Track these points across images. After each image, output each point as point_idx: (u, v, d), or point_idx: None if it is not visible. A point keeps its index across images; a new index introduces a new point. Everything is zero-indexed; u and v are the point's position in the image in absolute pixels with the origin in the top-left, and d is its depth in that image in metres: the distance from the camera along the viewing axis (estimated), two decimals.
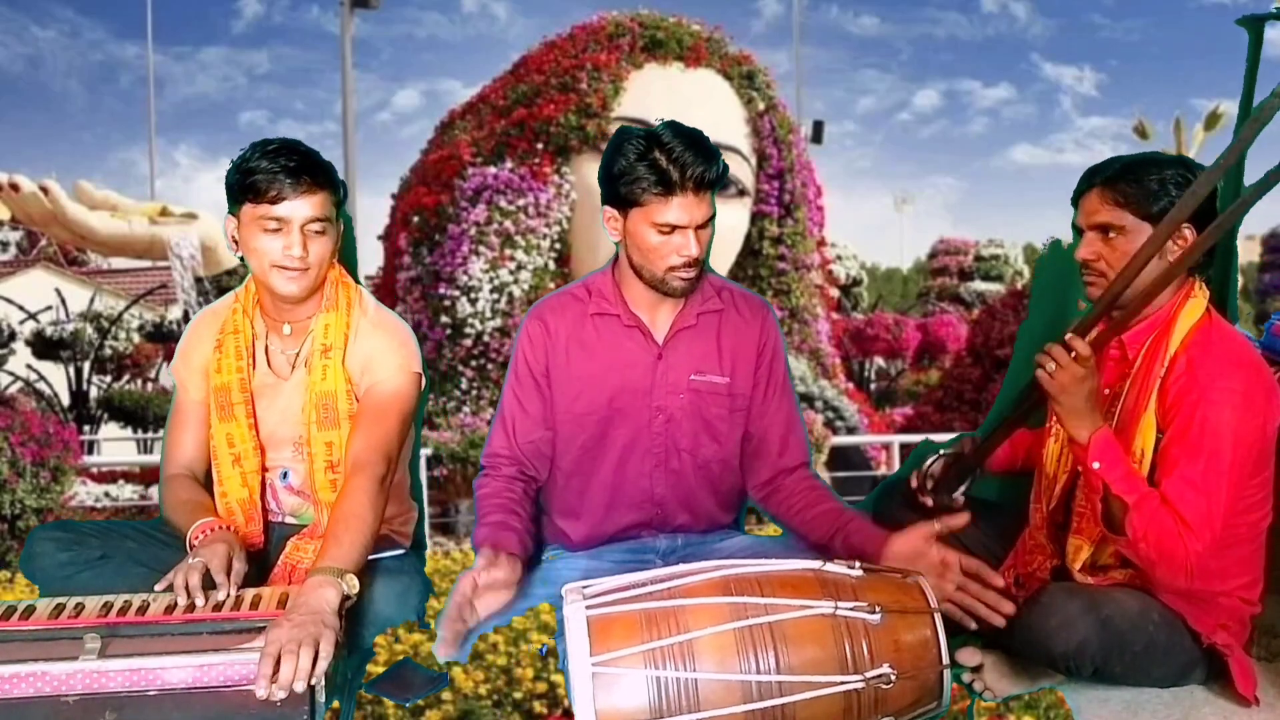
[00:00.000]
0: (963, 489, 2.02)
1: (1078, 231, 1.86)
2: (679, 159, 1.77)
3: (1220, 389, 1.68)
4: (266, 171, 1.79)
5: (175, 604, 1.63)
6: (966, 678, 1.81)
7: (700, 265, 1.86)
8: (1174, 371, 1.73)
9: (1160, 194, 1.75)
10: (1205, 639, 1.75)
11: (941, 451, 2.03)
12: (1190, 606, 1.75)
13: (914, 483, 2.02)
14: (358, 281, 2.02)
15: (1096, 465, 1.69)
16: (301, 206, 1.81)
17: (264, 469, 1.95)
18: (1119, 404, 1.80)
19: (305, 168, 1.81)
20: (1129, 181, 1.78)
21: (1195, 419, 1.68)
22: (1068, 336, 1.68)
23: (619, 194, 1.82)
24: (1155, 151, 1.89)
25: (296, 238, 1.81)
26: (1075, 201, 1.87)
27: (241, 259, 1.90)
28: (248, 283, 1.96)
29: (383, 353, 1.90)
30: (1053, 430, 1.91)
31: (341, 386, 1.89)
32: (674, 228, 1.80)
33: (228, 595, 1.66)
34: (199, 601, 1.62)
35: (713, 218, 1.84)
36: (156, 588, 1.68)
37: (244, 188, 1.81)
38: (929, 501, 2.01)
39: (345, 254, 2.01)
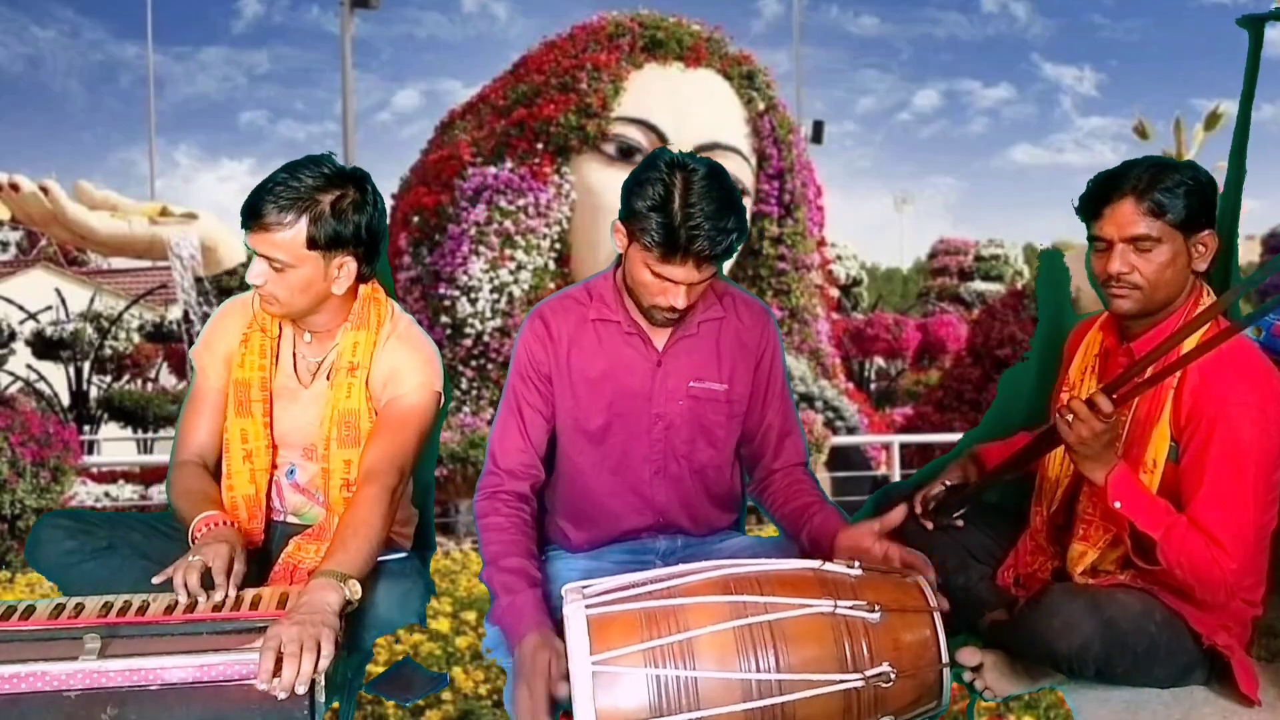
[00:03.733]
0: (960, 512, 2.05)
1: (1100, 242, 1.82)
2: (693, 228, 1.68)
3: (1237, 405, 1.69)
4: (255, 194, 1.79)
5: (175, 604, 1.63)
6: (967, 677, 1.81)
7: (686, 311, 1.83)
8: (1187, 381, 1.73)
9: (1190, 204, 1.75)
10: (1206, 640, 1.76)
11: (947, 484, 2.04)
12: (1192, 608, 1.76)
13: (918, 508, 2.04)
14: (392, 295, 2.02)
15: (1118, 505, 1.70)
16: (257, 243, 1.81)
17: (273, 467, 1.96)
18: (1130, 413, 1.79)
19: (265, 208, 1.78)
20: (1163, 192, 1.75)
21: (1215, 437, 1.69)
22: (1093, 393, 1.67)
23: (629, 222, 1.77)
24: (1155, 155, 1.89)
25: (258, 267, 1.82)
26: (1095, 210, 1.81)
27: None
28: None
29: (407, 368, 1.91)
30: None
31: (364, 406, 1.90)
32: (667, 280, 1.76)
33: (226, 596, 1.66)
34: (200, 600, 1.63)
35: (715, 273, 1.80)
36: (154, 580, 1.68)
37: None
38: (929, 525, 2.03)
39: (383, 268, 2.00)
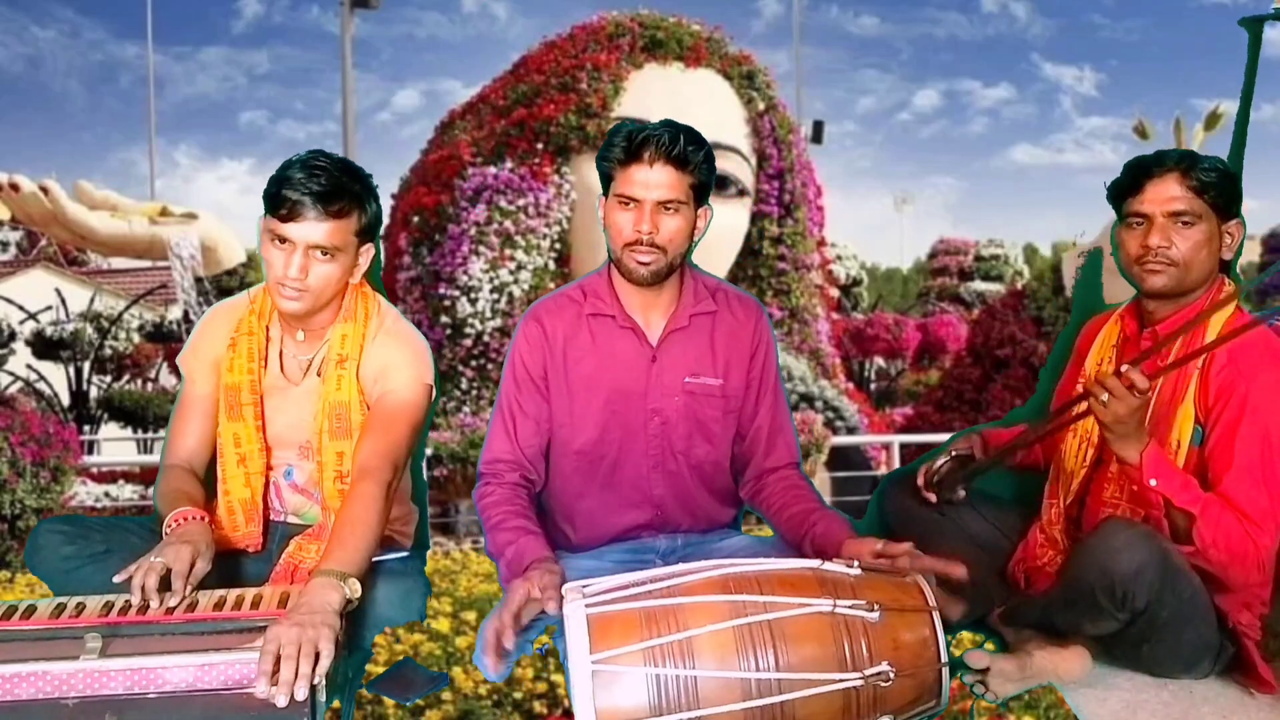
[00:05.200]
0: (965, 488, 2.03)
1: (1138, 219, 1.84)
2: (645, 129, 1.83)
3: (1266, 386, 1.71)
4: (292, 187, 1.78)
5: (177, 604, 1.63)
6: (968, 679, 1.81)
7: (664, 255, 1.85)
8: (1214, 364, 1.75)
9: (1224, 190, 1.81)
10: (1231, 619, 1.76)
11: (953, 453, 2.03)
12: (1217, 586, 1.75)
13: (921, 480, 2.03)
14: (380, 291, 2.02)
15: (1154, 483, 1.69)
16: (311, 231, 1.80)
17: (268, 469, 1.96)
18: (1154, 395, 1.79)
19: (331, 193, 1.79)
20: (1207, 170, 1.80)
21: (1244, 417, 1.70)
22: (1125, 369, 1.66)
23: (602, 175, 1.88)
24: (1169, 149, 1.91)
25: (298, 259, 1.81)
26: (1137, 185, 1.84)
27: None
28: (265, 285, 1.95)
29: (397, 363, 1.91)
30: (1073, 426, 1.91)
31: (355, 398, 1.90)
32: (632, 200, 1.83)
33: (182, 599, 1.63)
34: (153, 603, 1.61)
35: (682, 206, 1.84)
36: (115, 579, 1.64)
37: (269, 196, 1.81)
38: (932, 497, 2.02)
39: (370, 266, 2.00)
